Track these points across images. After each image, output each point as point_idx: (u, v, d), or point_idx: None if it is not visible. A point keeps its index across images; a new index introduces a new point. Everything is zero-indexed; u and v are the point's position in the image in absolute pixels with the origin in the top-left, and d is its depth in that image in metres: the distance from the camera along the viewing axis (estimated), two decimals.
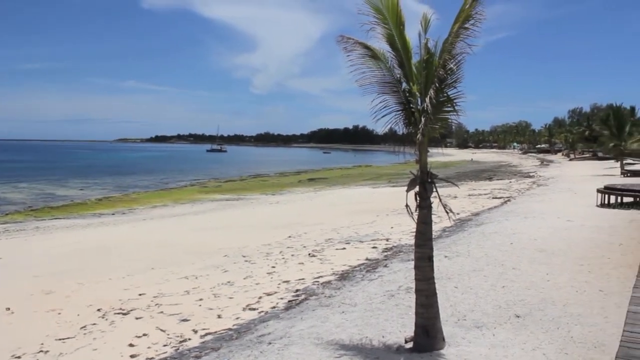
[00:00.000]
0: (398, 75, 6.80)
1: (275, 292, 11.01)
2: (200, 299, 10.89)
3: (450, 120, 6.96)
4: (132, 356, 8.08)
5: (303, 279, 11.96)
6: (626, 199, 20.49)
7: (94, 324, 9.71)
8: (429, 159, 6.74)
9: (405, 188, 6.70)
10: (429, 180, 6.62)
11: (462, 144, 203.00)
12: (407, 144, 6.78)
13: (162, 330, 9.15)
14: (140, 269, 14.02)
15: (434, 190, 6.68)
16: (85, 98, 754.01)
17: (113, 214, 31.09)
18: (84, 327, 9.55)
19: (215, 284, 12.02)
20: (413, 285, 7.07)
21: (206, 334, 8.74)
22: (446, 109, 6.74)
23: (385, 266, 12.17)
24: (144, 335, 8.93)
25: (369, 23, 6.70)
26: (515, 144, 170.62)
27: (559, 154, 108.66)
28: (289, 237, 18.29)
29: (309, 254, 14.78)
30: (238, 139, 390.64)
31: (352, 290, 10.17)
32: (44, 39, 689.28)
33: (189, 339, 8.59)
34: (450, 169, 71.83)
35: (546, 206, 21.52)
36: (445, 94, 6.56)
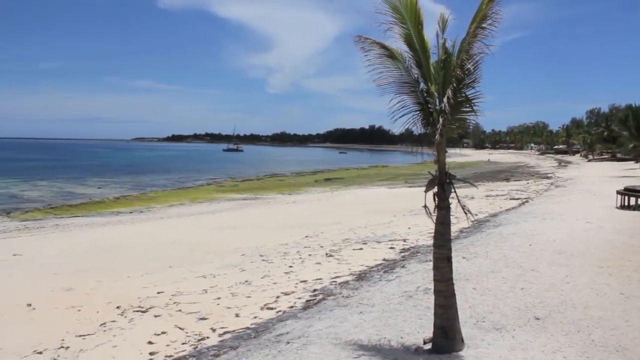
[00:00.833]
0: (416, 75, 6.79)
1: (293, 292, 11.04)
2: (218, 298, 10.95)
3: (468, 121, 6.95)
4: (151, 353, 8.15)
5: (320, 278, 11.98)
6: None
7: (114, 321, 9.82)
8: (446, 160, 6.73)
9: (423, 188, 6.70)
10: (448, 180, 6.60)
11: (479, 145, 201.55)
12: (425, 144, 6.78)
13: (180, 328, 9.21)
14: (158, 268, 14.13)
15: (453, 191, 6.66)
16: (102, 97, 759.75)
17: (131, 213, 31.31)
18: (104, 324, 9.66)
19: (233, 283, 12.08)
20: (431, 286, 7.06)
21: (224, 333, 8.79)
22: (464, 109, 6.73)
23: (403, 267, 12.15)
24: (163, 333, 9.00)
25: (387, 23, 6.69)
26: (532, 144, 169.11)
27: (577, 155, 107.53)
28: (306, 236, 18.32)
29: (326, 254, 14.79)
30: (254, 139, 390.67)
31: (369, 290, 10.17)
32: (61, 39, 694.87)
33: (208, 338, 8.65)
34: (467, 169, 71.41)
35: (565, 207, 21.33)
36: (463, 94, 6.55)
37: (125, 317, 10.05)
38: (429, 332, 6.92)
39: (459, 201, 6.68)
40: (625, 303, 8.35)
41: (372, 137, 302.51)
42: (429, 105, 6.63)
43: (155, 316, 10.01)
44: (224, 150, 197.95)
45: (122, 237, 20.99)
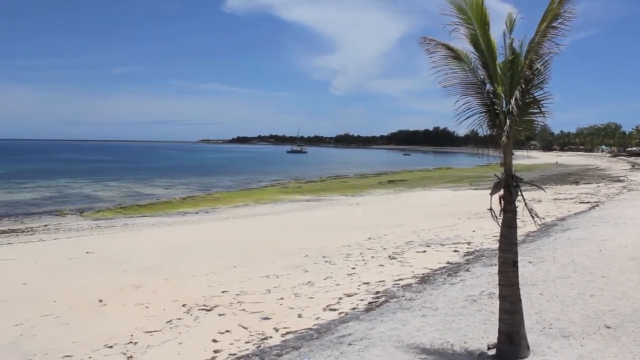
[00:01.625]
0: (482, 77, 6.68)
1: (356, 294, 11.04)
2: (281, 298, 11.07)
3: (535, 122, 6.79)
4: (215, 351, 8.33)
5: (383, 281, 11.94)
6: None
7: (179, 318, 10.08)
8: (513, 162, 6.59)
9: (488, 191, 6.59)
10: (514, 183, 6.47)
11: (547, 147, 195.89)
12: (491, 146, 6.66)
13: (244, 327, 9.36)
14: (223, 267, 14.41)
15: (519, 193, 6.52)
16: (170, 100, 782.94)
17: (197, 213, 32.07)
18: (170, 321, 9.93)
19: (295, 284, 12.19)
20: (496, 290, 6.93)
21: (287, 333, 8.88)
22: (532, 110, 6.58)
23: (467, 270, 11.96)
24: (227, 331, 9.18)
25: (452, 24, 6.62)
26: (603, 146, 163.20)
27: None
28: (369, 238, 18.29)
29: (389, 256, 14.73)
30: (318, 140, 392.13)
31: (433, 293, 10.06)
32: (131, 44, 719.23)
33: (270, 337, 8.76)
34: (534, 172, 69.59)
35: (638, 212, 20.48)
36: (531, 95, 6.41)
37: (191, 315, 10.30)
38: (493, 338, 6.79)
39: (525, 204, 6.53)
40: None
41: (437, 139, 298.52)
42: (495, 107, 6.51)
43: (220, 315, 10.21)
44: (287, 151, 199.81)
45: (188, 236, 21.53)
